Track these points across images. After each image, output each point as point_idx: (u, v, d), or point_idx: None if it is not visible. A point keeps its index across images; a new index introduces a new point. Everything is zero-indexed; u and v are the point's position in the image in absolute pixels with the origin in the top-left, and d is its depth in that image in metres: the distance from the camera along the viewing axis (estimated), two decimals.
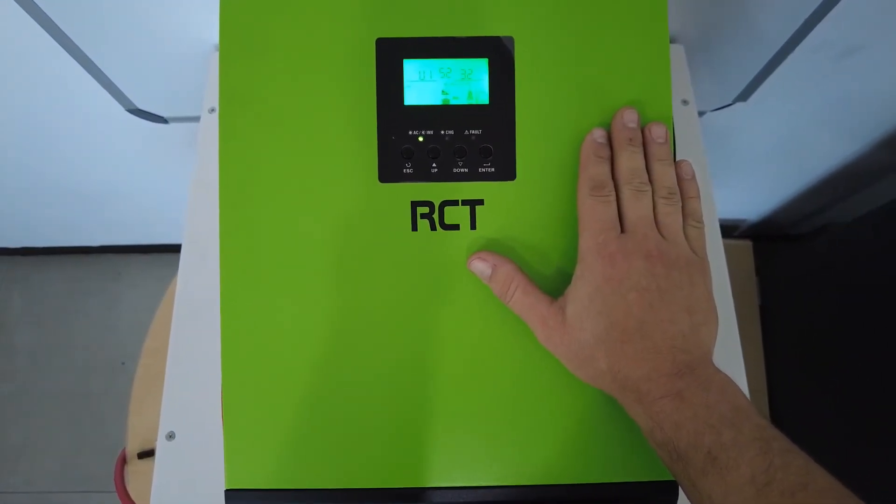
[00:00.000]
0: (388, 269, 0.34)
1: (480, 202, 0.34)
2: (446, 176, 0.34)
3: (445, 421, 0.34)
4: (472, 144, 0.34)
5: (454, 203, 0.34)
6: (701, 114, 0.69)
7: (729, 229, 1.10)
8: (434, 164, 0.34)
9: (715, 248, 0.46)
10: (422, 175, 0.34)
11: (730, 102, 0.67)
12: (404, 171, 0.34)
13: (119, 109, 0.65)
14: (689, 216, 0.33)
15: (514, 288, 0.32)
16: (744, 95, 0.66)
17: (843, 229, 0.94)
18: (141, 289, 1.20)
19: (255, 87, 0.34)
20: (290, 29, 0.34)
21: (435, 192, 0.34)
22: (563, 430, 0.34)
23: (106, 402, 1.12)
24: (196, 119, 0.52)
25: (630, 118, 0.34)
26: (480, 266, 0.33)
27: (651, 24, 0.35)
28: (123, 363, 1.15)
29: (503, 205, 0.34)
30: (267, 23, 0.34)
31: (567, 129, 0.34)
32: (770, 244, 1.10)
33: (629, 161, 0.33)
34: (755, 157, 0.84)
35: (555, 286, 0.33)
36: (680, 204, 0.33)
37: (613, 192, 0.32)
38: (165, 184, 0.86)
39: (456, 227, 0.34)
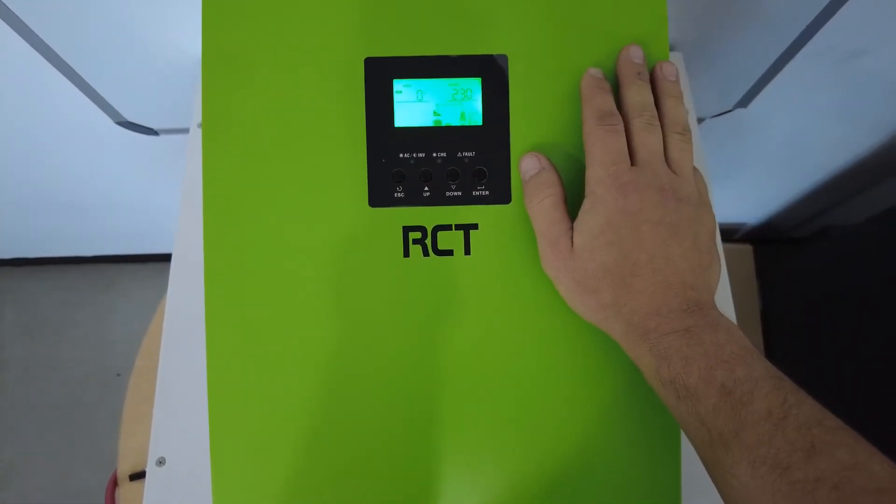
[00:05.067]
0: (379, 296, 0.33)
1: (475, 227, 0.33)
2: (439, 200, 0.33)
3: (439, 453, 0.32)
4: (466, 167, 0.33)
5: (447, 228, 0.33)
6: (700, 120, 0.68)
7: (728, 233, 1.10)
8: (426, 188, 0.33)
9: None
10: (413, 199, 0.33)
11: (730, 108, 0.67)
12: (395, 194, 0.33)
13: (108, 122, 0.65)
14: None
15: (547, 195, 0.31)
16: (744, 101, 0.66)
17: (846, 233, 0.93)
18: (135, 298, 1.19)
19: (239, 109, 0.32)
20: (275, 48, 0.33)
21: (427, 216, 0.33)
22: (563, 461, 0.33)
23: (100, 414, 1.11)
24: (187, 131, 0.51)
25: (636, 54, 0.33)
26: (531, 163, 0.32)
27: (651, 39, 0.33)
28: (119, 375, 1.14)
29: (498, 229, 0.33)
30: (250, 42, 0.33)
31: (564, 150, 0.33)
32: (770, 247, 1.10)
33: (638, 94, 0.32)
34: (755, 162, 0.84)
35: (553, 311, 0.32)
36: (692, 143, 0.32)
37: (622, 123, 0.31)
38: (158, 194, 0.86)
39: (449, 252, 0.33)
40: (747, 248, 1.09)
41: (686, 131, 0.32)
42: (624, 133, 0.31)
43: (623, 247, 0.29)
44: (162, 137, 0.69)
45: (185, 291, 0.44)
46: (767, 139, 0.76)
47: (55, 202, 0.88)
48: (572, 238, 0.30)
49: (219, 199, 0.32)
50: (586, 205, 0.30)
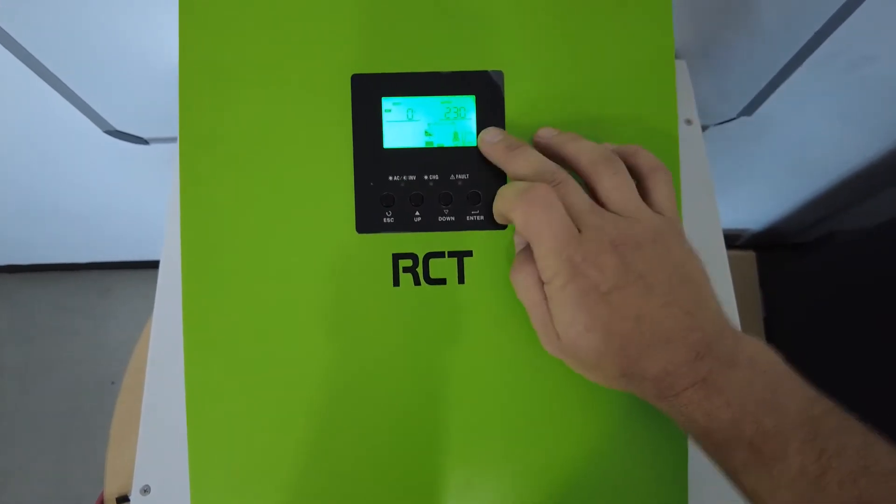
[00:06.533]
0: (368, 328, 0.31)
1: (469, 254, 0.31)
2: (431, 225, 0.31)
3: (433, 488, 0.31)
4: (459, 190, 0.31)
5: (440, 255, 0.31)
6: (704, 128, 0.67)
7: (731, 239, 1.09)
8: (417, 213, 0.31)
9: (719, 262, 0.44)
10: (404, 224, 0.31)
11: (734, 117, 0.66)
12: (384, 220, 0.31)
13: (97, 132, 0.64)
14: (645, 168, 0.29)
15: (529, 272, 0.28)
16: (748, 110, 0.65)
17: (851, 239, 0.92)
18: (131, 305, 1.18)
19: (218, 130, 0.31)
20: (256, 63, 0.31)
21: (418, 243, 0.31)
22: (561, 491, 0.31)
23: (95, 421, 1.11)
24: (176, 140, 0.50)
25: (492, 137, 0.30)
26: (519, 239, 0.30)
27: (656, 50, 0.32)
28: (113, 382, 1.13)
29: (493, 256, 0.31)
30: (230, 57, 0.31)
31: None
32: (774, 253, 1.09)
33: (525, 163, 0.29)
34: (759, 169, 0.83)
35: None
36: (618, 165, 0.28)
37: (555, 189, 0.27)
38: (154, 200, 0.85)
39: (442, 281, 0.31)
40: (750, 255, 1.08)
41: (598, 159, 0.28)
42: (559, 199, 0.27)
43: (603, 327, 0.26)
44: (152, 146, 0.68)
45: (171, 314, 0.43)
46: (772, 147, 0.75)
47: (49, 209, 0.88)
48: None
49: (196, 224, 0.31)
50: (549, 292, 0.27)
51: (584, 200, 0.27)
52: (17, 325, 1.17)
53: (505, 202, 0.28)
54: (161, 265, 0.45)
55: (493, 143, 0.30)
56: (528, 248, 0.29)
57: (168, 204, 0.45)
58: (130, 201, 0.85)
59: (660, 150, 0.31)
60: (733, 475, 0.25)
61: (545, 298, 0.28)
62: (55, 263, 1.15)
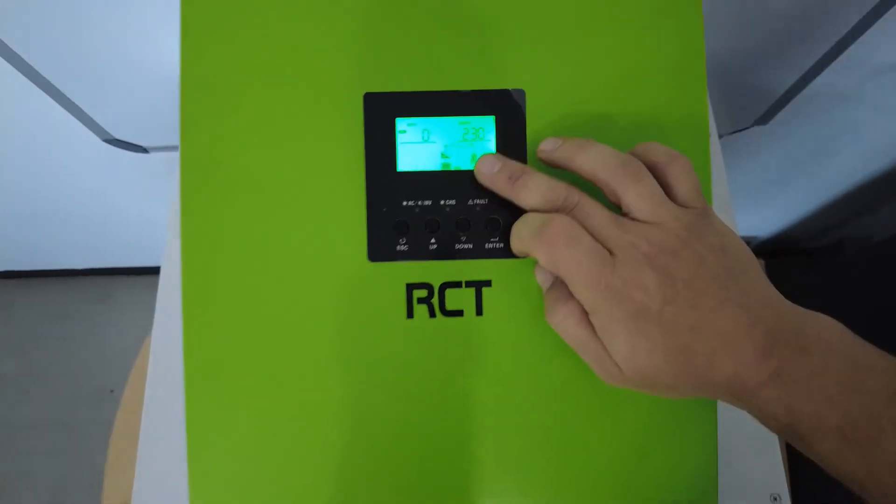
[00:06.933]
0: (380, 362, 0.29)
1: (487, 283, 0.30)
2: (447, 253, 0.30)
3: None
4: (477, 216, 0.30)
5: (457, 285, 0.30)
6: (718, 136, 0.66)
7: None
8: (433, 240, 0.30)
9: None
10: (418, 252, 0.30)
11: (748, 125, 0.65)
12: (398, 248, 0.30)
13: (95, 140, 0.63)
14: (661, 163, 0.27)
15: (567, 314, 0.27)
16: (763, 119, 0.64)
17: (861, 248, 0.91)
18: (130, 311, 1.17)
19: (221, 150, 0.29)
20: (263, 80, 0.30)
21: (434, 272, 0.30)
22: None
23: (92, 431, 1.09)
24: (176, 148, 0.49)
25: (489, 167, 0.29)
26: (544, 276, 0.29)
27: (687, 71, 0.30)
28: (112, 390, 1.12)
29: (514, 286, 0.30)
30: (234, 73, 0.30)
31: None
32: (783, 260, 1.08)
33: (534, 193, 0.27)
34: (769, 177, 0.82)
35: (578, 378, 0.29)
36: (639, 170, 0.27)
37: (576, 218, 0.26)
38: (152, 208, 0.84)
39: (459, 313, 0.30)
40: (759, 263, 1.07)
41: (616, 168, 0.26)
42: (584, 230, 0.26)
43: (662, 347, 0.25)
44: (152, 155, 0.67)
45: (171, 334, 0.42)
46: (784, 155, 0.74)
47: (47, 216, 0.87)
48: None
49: (198, 252, 0.29)
50: (598, 324, 0.26)
51: (607, 218, 0.26)
52: (15, 331, 1.16)
53: (523, 243, 0.27)
54: (160, 284, 0.43)
55: (492, 175, 0.29)
56: (556, 286, 0.28)
57: (168, 216, 0.44)
58: (130, 208, 0.85)
59: None
60: (823, 461, 0.24)
61: (594, 334, 0.26)
62: (54, 269, 1.14)
